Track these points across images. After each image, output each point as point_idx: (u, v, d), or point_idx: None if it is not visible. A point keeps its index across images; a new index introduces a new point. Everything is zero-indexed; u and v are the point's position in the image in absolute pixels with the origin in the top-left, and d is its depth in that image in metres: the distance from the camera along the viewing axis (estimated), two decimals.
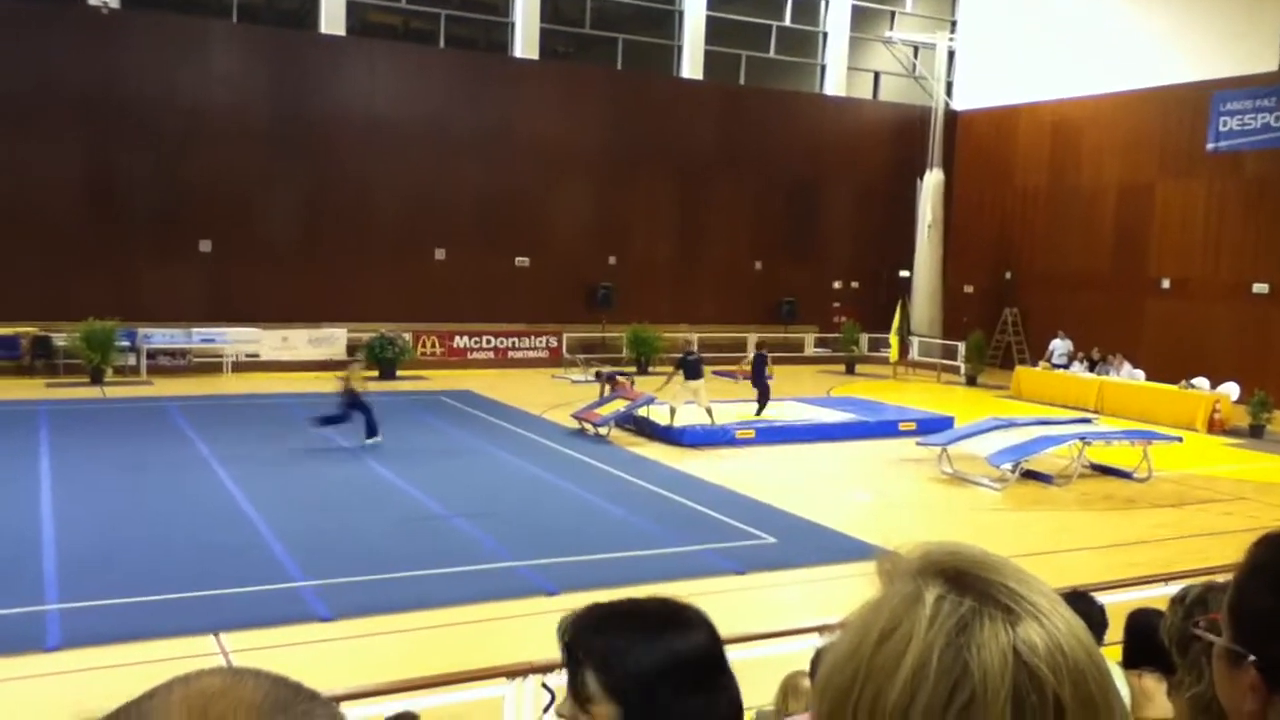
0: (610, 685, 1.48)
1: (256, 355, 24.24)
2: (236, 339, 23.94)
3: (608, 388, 19.27)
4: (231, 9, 24.71)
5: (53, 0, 23.13)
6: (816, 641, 6.53)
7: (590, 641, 1.53)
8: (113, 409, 18.99)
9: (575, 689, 1.53)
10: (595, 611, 1.58)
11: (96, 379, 21.46)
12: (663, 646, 1.50)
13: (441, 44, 26.73)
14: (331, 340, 24.94)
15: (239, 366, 23.86)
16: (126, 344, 22.39)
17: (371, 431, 15.91)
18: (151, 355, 22.97)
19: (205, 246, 24.21)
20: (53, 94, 22.58)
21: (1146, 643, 3.36)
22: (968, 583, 0.86)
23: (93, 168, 23.20)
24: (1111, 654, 3.66)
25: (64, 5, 23.01)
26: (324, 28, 25.25)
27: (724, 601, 8.65)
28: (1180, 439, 17.23)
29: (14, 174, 22.48)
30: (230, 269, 24.27)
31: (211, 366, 23.60)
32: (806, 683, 4.37)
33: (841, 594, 9.40)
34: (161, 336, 23.21)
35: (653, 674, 1.47)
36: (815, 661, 3.82)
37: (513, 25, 27.36)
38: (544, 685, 5.64)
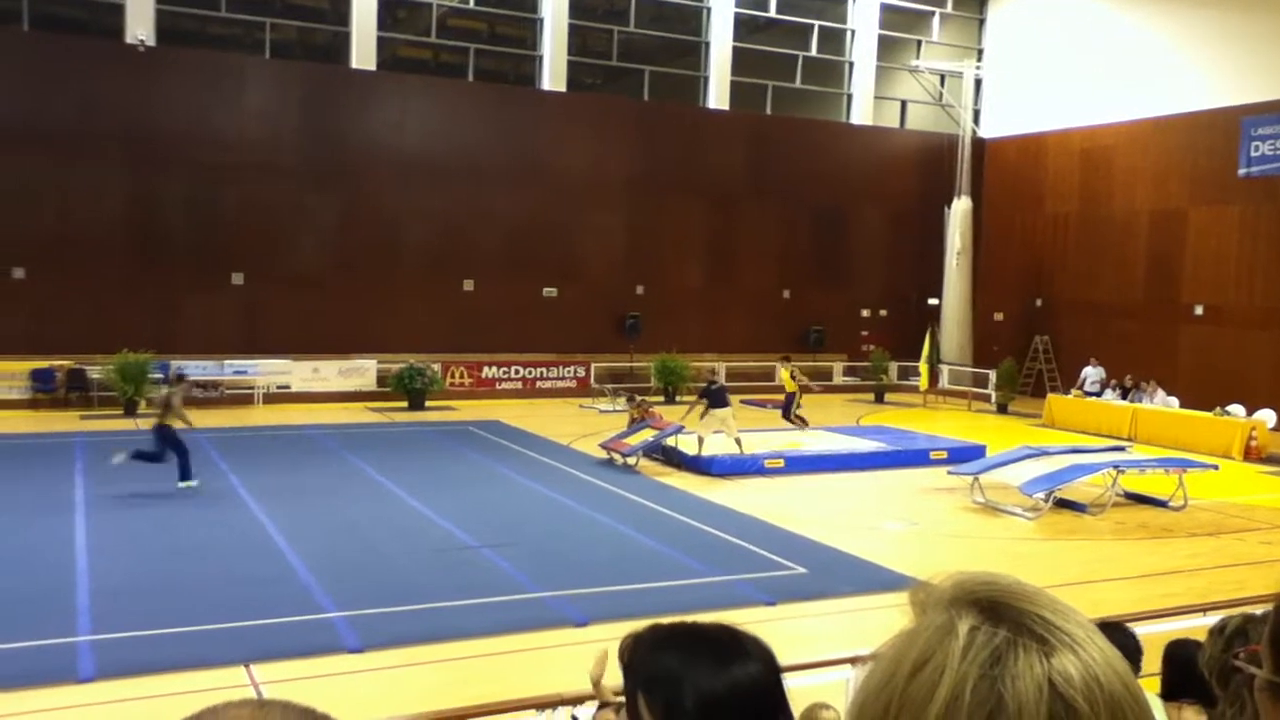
0: (662, 711, 1.44)
1: (287, 386, 24.41)
2: (268, 370, 24.13)
3: (635, 413, 19.28)
4: (264, 45, 25.09)
5: (91, 38, 23.62)
6: (848, 673, 6.47)
7: (647, 664, 1.48)
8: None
9: (631, 711, 1.49)
10: (656, 633, 1.53)
11: (130, 411, 21.67)
12: (722, 676, 1.44)
13: (470, 77, 27.01)
14: (362, 371, 25.09)
15: (270, 398, 24.03)
16: (160, 376, 22.58)
17: (185, 475, 14.57)
18: None
19: (238, 279, 24.46)
20: (91, 130, 22.97)
21: (1186, 674, 3.31)
22: (1001, 613, 0.85)
23: (129, 202, 23.54)
24: (1148, 685, 3.60)
25: (102, 43, 23.46)
26: (355, 63, 25.56)
27: (755, 633, 8.57)
28: (1216, 467, 17.02)
29: (53, 209, 22.85)
30: (262, 301, 24.51)
31: (243, 398, 23.77)
32: (827, 715, 4.34)
33: (873, 625, 9.31)
34: (194, 368, 23.40)
35: (708, 704, 1.42)
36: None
37: (541, 58, 27.60)
38: (573, 717, 5.61)
